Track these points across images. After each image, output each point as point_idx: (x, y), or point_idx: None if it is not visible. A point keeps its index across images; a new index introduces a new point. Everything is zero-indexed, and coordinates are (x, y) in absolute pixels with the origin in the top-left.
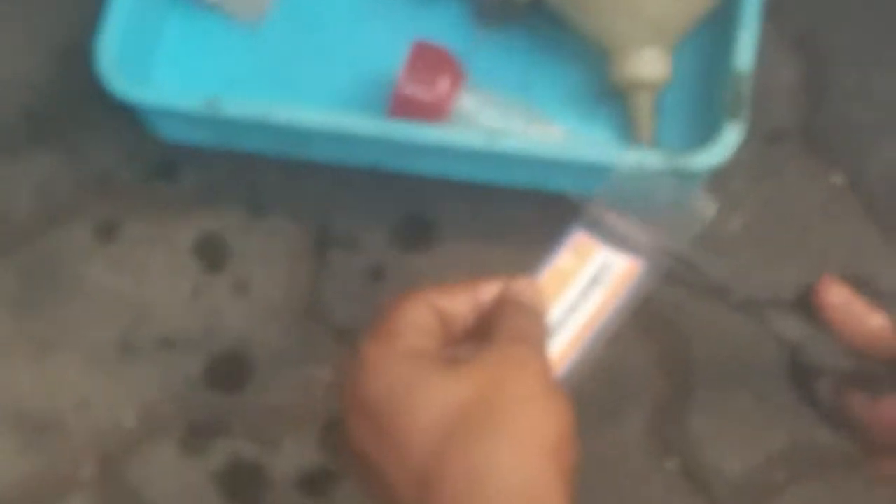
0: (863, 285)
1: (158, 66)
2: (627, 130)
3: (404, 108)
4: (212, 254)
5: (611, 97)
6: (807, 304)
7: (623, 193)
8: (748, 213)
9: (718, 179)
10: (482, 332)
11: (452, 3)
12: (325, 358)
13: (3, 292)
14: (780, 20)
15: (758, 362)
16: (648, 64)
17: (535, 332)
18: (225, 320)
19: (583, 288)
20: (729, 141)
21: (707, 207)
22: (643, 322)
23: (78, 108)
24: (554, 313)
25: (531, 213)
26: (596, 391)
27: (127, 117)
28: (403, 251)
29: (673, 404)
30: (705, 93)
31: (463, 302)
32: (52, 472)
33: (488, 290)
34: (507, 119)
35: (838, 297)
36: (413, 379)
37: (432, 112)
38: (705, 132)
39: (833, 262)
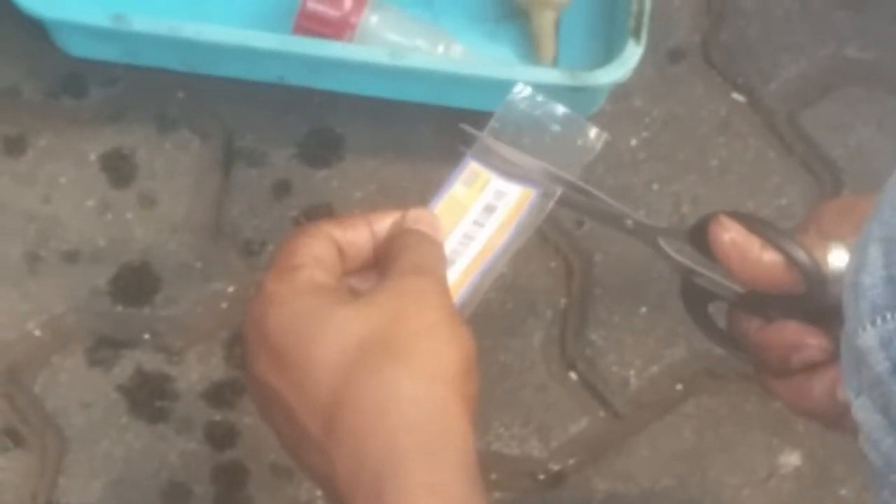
0: (762, 205)
1: None
2: (530, 49)
3: (310, 23)
4: (119, 168)
5: (514, 17)
6: (699, 237)
7: (514, 123)
8: (649, 130)
9: (619, 97)
10: (380, 262)
11: None
12: (231, 273)
13: None
14: None
15: (656, 277)
16: None
17: (434, 260)
18: (132, 234)
19: (477, 216)
20: (629, 59)
21: (597, 138)
22: (546, 236)
23: None
24: (450, 242)
25: (434, 128)
26: (500, 304)
27: (34, 32)
28: (309, 166)
29: (574, 317)
30: (607, 11)
31: (360, 233)
32: None
33: (385, 220)
34: (411, 37)
35: (731, 235)
36: (314, 313)
37: (338, 28)
38: (607, 51)
39: (732, 180)
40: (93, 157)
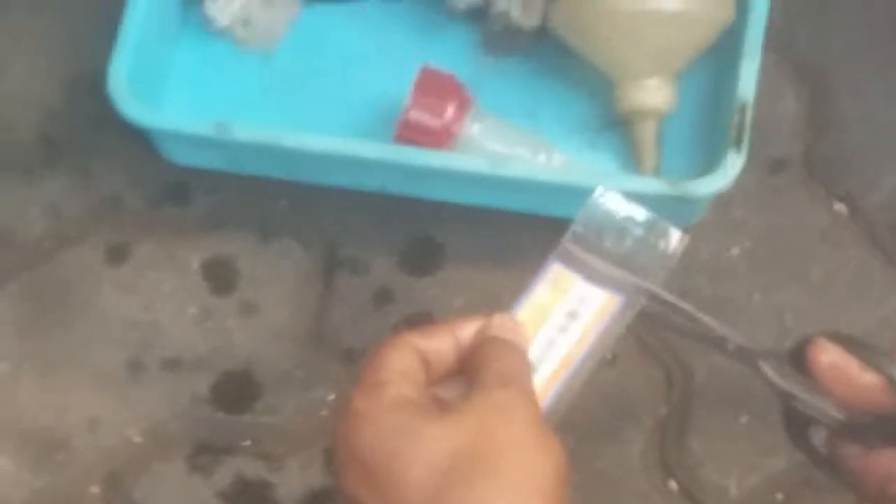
0: (865, 316)
1: (169, 90)
2: (631, 159)
3: (411, 133)
4: (220, 276)
5: (615, 126)
6: (800, 358)
7: (596, 226)
8: (750, 240)
9: (721, 206)
10: (466, 370)
11: (460, 30)
12: (331, 380)
13: (14, 314)
14: (783, 50)
15: (758, 386)
16: (652, 93)
17: (519, 369)
18: (232, 342)
19: (561, 322)
20: (730, 169)
21: (680, 241)
22: (647, 344)
23: (90, 132)
24: (533, 349)
25: (535, 238)
26: (599, 411)
27: (138, 141)
28: (410, 275)
29: (674, 425)
30: (708, 122)
31: (444, 342)
32: (61, 490)
33: (468, 327)
34: (512, 146)
35: (830, 357)
36: (402, 430)
37: (439, 138)
38: (708, 161)
39: (834, 291)
40: (195, 265)
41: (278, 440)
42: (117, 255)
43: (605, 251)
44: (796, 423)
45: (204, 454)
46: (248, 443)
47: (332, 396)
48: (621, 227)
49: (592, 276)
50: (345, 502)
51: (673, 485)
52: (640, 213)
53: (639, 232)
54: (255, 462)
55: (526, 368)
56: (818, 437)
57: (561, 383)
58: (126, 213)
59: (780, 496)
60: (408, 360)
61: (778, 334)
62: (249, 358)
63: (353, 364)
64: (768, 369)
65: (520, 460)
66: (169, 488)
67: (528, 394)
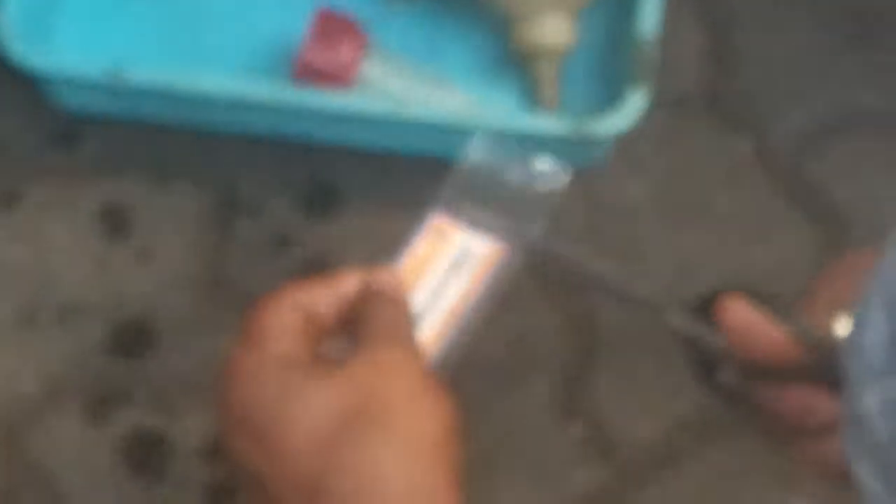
0: (768, 256)
1: (59, 31)
2: (533, 97)
3: (308, 75)
4: (115, 222)
5: (516, 64)
6: (707, 310)
7: (477, 174)
8: (653, 181)
9: (623, 146)
10: (349, 325)
11: None
12: (229, 327)
13: None
14: None
15: (661, 331)
16: (551, 30)
17: (403, 325)
18: (128, 289)
19: (444, 273)
20: (633, 107)
21: (561, 181)
22: (548, 288)
23: None
24: (417, 300)
25: (437, 181)
26: (501, 356)
27: (25, 84)
28: (308, 218)
29: (577, 370)
30: (610, 59)
31: (326, 297)
32: None
33: (350, 283)
34: (411, 86)
35: (737, 315)
36: (288, 388)
37: (337, 79)
38: (610, 99)
39: (739, 230)
40: (88, 211)
41: (176, 390)
42: (6, 202)
43: (486, 198)
44: (703, 365)
45: (100, 405)
46: (144, 392)
47: (230, 344)
48: (501, 173)
49: (475, 225)
50: (231, 460)
51: (577, 430)
52: (519, 157)
53: (519, 175)
54: (152, 413)
55: (409, 324)
56: (726, 377)
57: (449, 336)
58: (14, 159)
59: (684, 439)
60: (289, 316)
61: (682, 274)
62: (146, 305)
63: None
64: (673, 318)
65: (408, 418)
66: (65, 441)
67: (413, 350)
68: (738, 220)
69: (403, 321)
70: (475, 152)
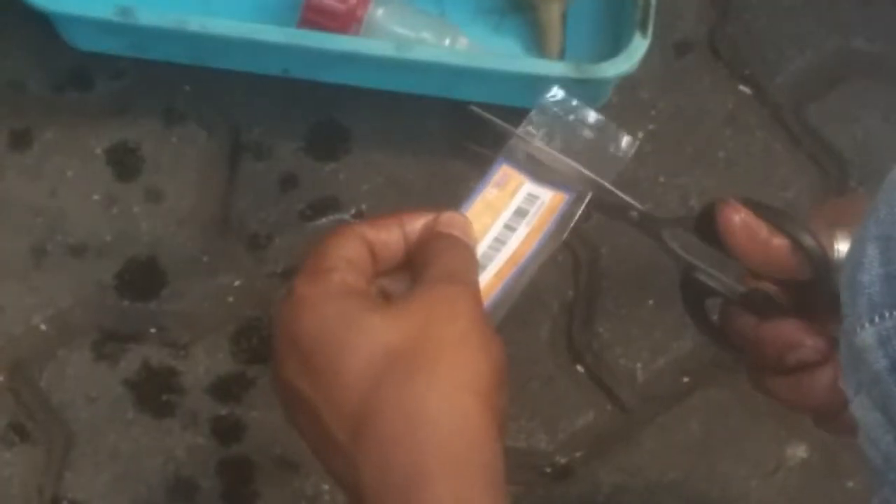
0: (769, 197)
1: None
2: (536, 42)
3: (315, 16)
4: (125, 162)
5: (521, 9)
6: (706, 224)
7: (547, 126)
8: (655, 123)
9: (626, 90)
10: (412, 264)
11: None
12: (237, 266)
13: None
14: None
15: (664, 270)
16: None
17: (466, 266)
18: (138, 228)
19: (509, 220)
20: (635, 51)
21: (630, 146)
22: None
23: None
24: (481, 246)
25: (440, 121)
26: None
27: (40, 24)
28: (315, 159)
29: (580, 309)
30: (613, 4)
31: (392, 234)
32: None
33: (417, 221)
34: (417, 30)
35: (741, 217)
36: (346, 318)
37: (343, 21)
38: (613, 44)
39: (739, 172)
40: (99, 150)
41: (184, 327)
42: (20, 140)
43: (553, 150)
44: (694, 295)
45: (110, 342)
46: (154, 330)
47: (238, 282)
48: (572, 128)
49: (540, 175)
50: (283, 389)
51: (580, 368)
52: (591, 115)
53: (589, 134)
54: (161, 349)
55: (473, 265)
56: (714, 310)
57: (506, 282)
58: (29, 99)
59: (686, 379)
60: (355, 248)
61: (683, 215)
62: (155, 244)
63: (259, 250)
64: (671, 238)
65: (458, 356)
66: (75, 376)
67: (473, 290)
68: (739, 162)
69: (467, 262)
70: (545, 105)
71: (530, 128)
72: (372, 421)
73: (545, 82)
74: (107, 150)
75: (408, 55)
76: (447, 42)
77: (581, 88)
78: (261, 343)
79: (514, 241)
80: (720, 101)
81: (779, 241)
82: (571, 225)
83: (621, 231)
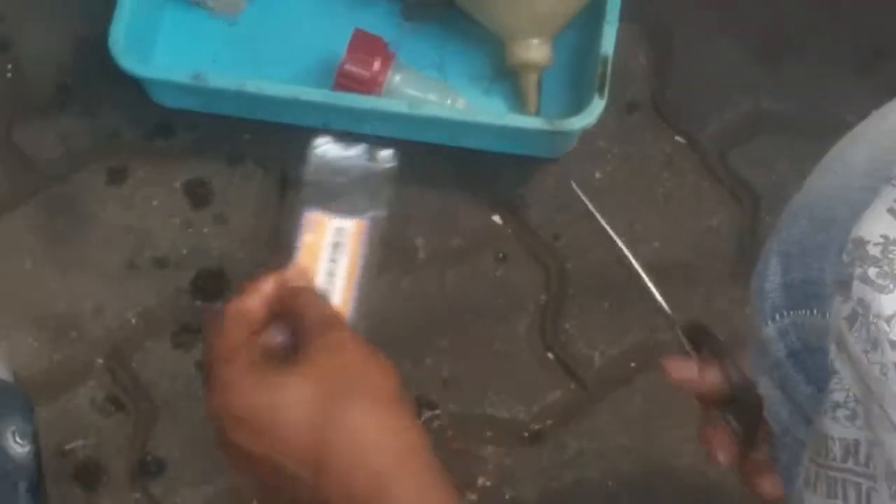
0: (697, 226)
1: (158, 47)
2: (519, 102)
3: (347, 82)
4: (198, 194)
5: (506, 76)
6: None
7: (327, 171)
8: (610, 166)
9: (587, 139)
10: (281, 315)
11: (384, 2)
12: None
13: (35, 224)
14: (636, 16)
15: (618, 280)
16: (534, 50)
17: (328, 308)
18: (208, 245)
19: (331, 256)
20: (595, 109)
21: (392, 160)
22: (531, 246)
23: (96, 80)
24: (319, 283)
25: (444, 164)
26: (492, 299)
27: (133, 87)
28: None
29: (551, 310)
30: (578, 73)
31: (254, 301)
32: (74, 361)
33: (268, 285)
34: (425, 92)
35: (680, 372)
36: (270, 385)
37: (369, 85)
38: (578, 103)
39: (674, 205)
40: (178, 184)
41: None
42: (117, 177)
43: (338, 187)
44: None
45: (185, 333)
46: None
47: None
48: (344, 165)
49: (338, 211)
50: (232, 455)
51: (550, 356)
52: (354, 149)
53: (360, 163)
54: None
55: (328, 304)
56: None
57: (353, 301)
58: (124, 145)
59: (633, 364)
60: (238, 329)
61: (629, 239)
62: (221, 257)
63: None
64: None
65: (370, 381)
66: (157, 360)
67: (345, 325)
68: (674, 196)
69: (327, 305)
70: (321, 154)
71: (311, 176)
72: (328, 455)
73: (525, 133)
74: (184, 184)
75: (418, 112)
76: (449, 102)
77: (552, 138)
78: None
79: (342, 269)
80: (660, 149)
81: (712, 376)
82: (378, 237)
83: (584, 250)
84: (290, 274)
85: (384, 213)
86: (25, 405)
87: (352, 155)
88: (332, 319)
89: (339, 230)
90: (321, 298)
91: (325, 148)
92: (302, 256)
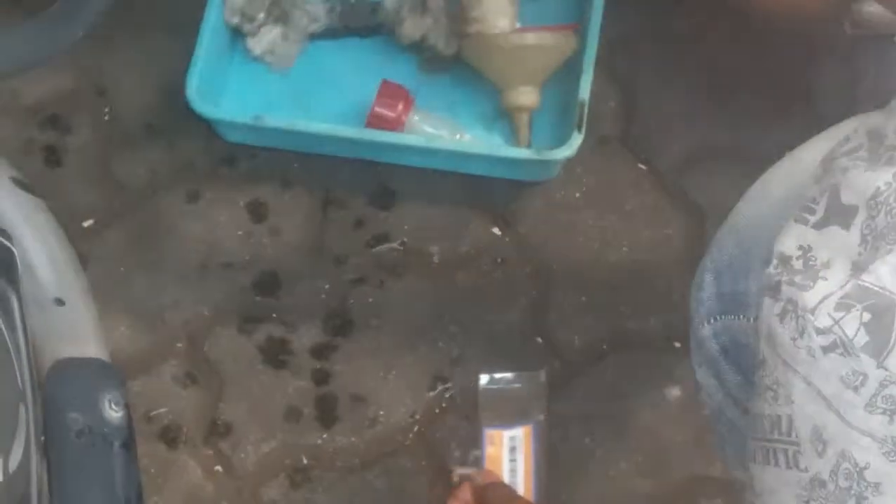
0: (655, 234)
1: (225, 94)
2: (512, 137)
3: (376, 121)
4: (258, 211)
5: (503, 116)
6: None
7: (496, 398)
8: (586, 187)
9: (569, 166)
10: None
11: (407, 56)
12: (326, 276)
13: (127, 236)
14: (607, 67)
15: (597, 280)
16: (525, 96)
17: (513, 494)
18: (266, 252)
19: (510, 457)
20: (574, 142)
21: (545, 378)
22: (523, 253)
23: (175, 120)
24: (505, 481)
25: (455, 185)
26: (492, 294)
27: (205, 126)
28: (376, 209)
29: (540, 303)
30: (561, 113)
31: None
32: (159, 345)
33: (466, 492)
34: (439, 129)
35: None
36: None
37: (393, 124)
38: (561, 138)
39: (638, 218)
40: (241, 204)
41: (293, 313)
42: (192, 197)
43: (507, 406)
44: None
45: (248, 322)
46: (275, 315)
47: (327, 286)
48: (507, 391)
49: (509, 423)
50: None
51: (539, 340)
52: (512, 376)
53: (519, 386)
54: (279, 327)
55: (515, 492)
56: None
57: (533, 489)
58: (197, 172)
59: (604, 346)
60: None
61: (603, 246)
62: (276, 262)
63: (340, 265)
64: None
65: None
66: (225, 344)
67: None
68: (637, 212)
69: (514, 492)
70: (489, 386)
71: (486, 401)
72: None
73: (518, 162)
74: (246, 203)
75: (433, 145)
76: (457, 137)
77: (540, 165)
78: (342, 323)
79: (522, 466)
80: (627, 174)
81: None
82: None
83: (566, 255)
84: (485, 475)
85: (542, 416)
86: (119, 379)
87: (511, 378)
88: (520, 502)
89: (513, 438)
90: (508, 488)
91: (490, 381)
92: (487, 464)
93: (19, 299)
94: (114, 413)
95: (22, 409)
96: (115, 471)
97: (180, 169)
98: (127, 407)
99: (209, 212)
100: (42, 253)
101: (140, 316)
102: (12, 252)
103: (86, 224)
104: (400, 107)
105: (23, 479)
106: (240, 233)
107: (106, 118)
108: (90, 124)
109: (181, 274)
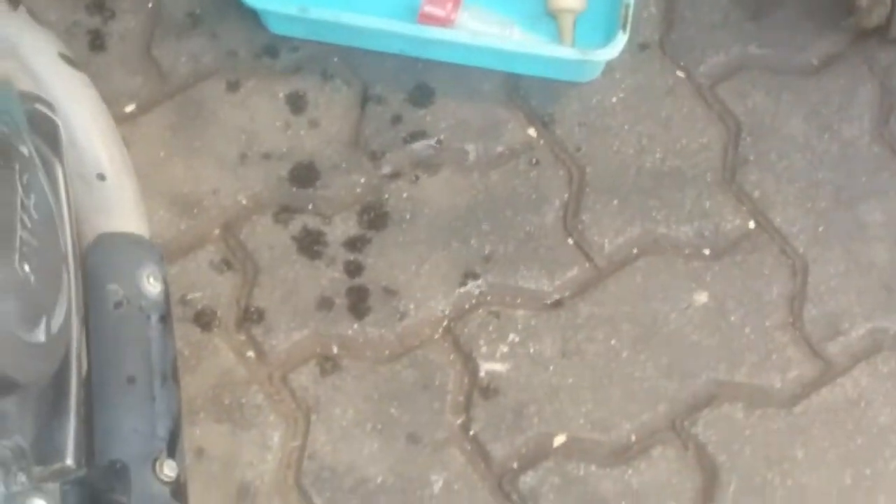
0: (690, 142)
1: None
2: (558, 37)
3: (426, 19)
4: (296, 104)
5: (550, 17)
6: None
7: None
8: (625, 92)
9: (609, 70)
10: None
11: None
12: (362, 169)
13: (167, 123)
14: None
15: (626, 182)
16: None
17: None
18: (303, 144)
19: None
20: (618, 44)
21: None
22: (557, 154)
23: (220, 9)
24: None
25: (496, 87)
26: (527, 195)
27: (249, 15)
28: (414, 106)
29: (573, 206)
30: (606, 15)
31: None
32: (196, 230)
33: None
34: (488, 26)
35: None
36: None
37: (444, 21)
38: (605, 39)
39: (674, 124)
40: (281, 95)
41: (329, 205)
42: (233, 87)
43: None
44: None
45: (284, 212)
46: (310, 206)
47: (362, 179)
48: None
49: None
50: None
51: (570, 241)
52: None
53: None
54: (314, 218)
55: None
56: None
57: None
58: (239, 61)
59: (635, 250)
60: None
61: (639, 149)
62: (313, 154)
63: (375, 160)
64: None
65: None
66: (261, 232)
67: None
68: (674, 118)
69: None
70: None
71: None
72: None
73: (562, 61)
74: (286, 95)
75: (481, 42)
76: (507, 33)
77: (582, 67)
78: (376, 217)
79: None
80: (664, 80)
81: None
82: None
83: (600, 159)
84: None
85: None
86: (157, 254)
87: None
88: None
89: None
90: None
91: None
92: None
93: (64, 169)
94: (152, 287)
95: (65, 274)
96: (152, 342)
97: (222, 58)
98: (165, 282)
99: (249, 102)
100: (86, 128)
101: (178, 201)
102: (56, 124)
103: (127, 109)
104: (450, 5)
105: (63, 343)
106: (278, 124)
107: (150, 5)
108: (135, 10)
109: (220, 162)
